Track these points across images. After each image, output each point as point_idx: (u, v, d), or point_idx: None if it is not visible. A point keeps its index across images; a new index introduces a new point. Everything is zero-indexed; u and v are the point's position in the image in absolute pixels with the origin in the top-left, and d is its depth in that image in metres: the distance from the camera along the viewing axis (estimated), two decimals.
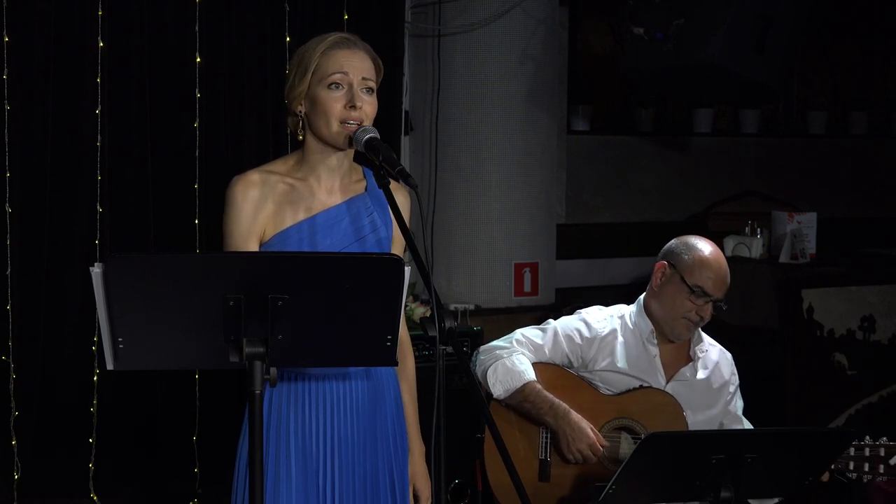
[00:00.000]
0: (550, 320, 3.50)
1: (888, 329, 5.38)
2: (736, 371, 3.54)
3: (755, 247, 5.54)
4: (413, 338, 3.01)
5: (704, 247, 3.39)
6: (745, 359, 5.26)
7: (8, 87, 4.60)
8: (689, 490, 2.64)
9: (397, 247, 2.79)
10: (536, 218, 5.63)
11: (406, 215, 2.71)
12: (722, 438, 2.80)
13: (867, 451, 3.18)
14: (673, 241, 3.46)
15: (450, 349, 2.31)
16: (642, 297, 3.48)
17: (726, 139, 7.04)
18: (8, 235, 4.65)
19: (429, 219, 5.49)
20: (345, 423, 2.71)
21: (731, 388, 3.50)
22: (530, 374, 3.32)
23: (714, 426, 3.46)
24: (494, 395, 3.33)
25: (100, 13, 4.70)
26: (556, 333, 3.43)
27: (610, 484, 2.64)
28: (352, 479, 2.71)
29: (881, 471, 3.15)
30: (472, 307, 5.39)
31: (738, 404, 3.53)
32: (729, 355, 3.55)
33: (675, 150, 6.81)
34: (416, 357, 4.53)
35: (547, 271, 5.70)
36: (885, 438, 3.19)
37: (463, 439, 3.41)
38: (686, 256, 3.37)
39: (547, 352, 3.41)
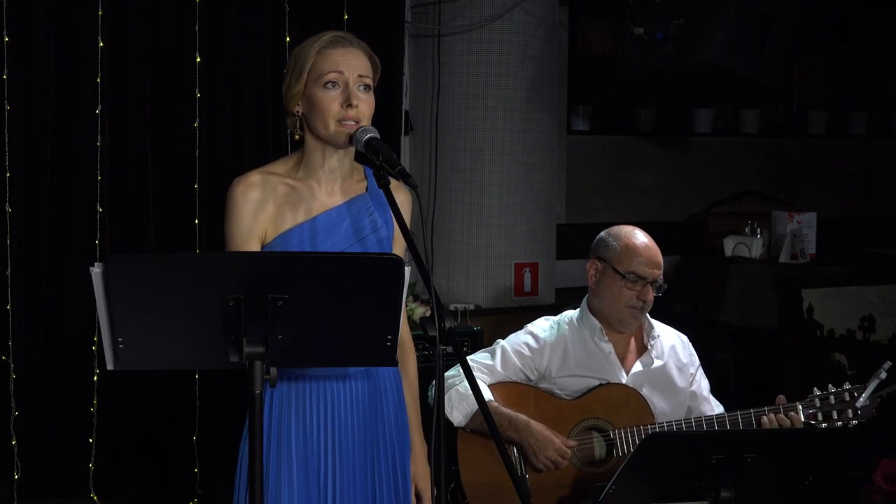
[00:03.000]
0: (498, 340, 3.49)
1: (888, 329, 5.38)
2: (695, 352, 3.55)
3: (755, 247, 5.54)
4: (413, 338, 3.01)
5: (629, 232, 3.42)
6: (744, 359, 5.28)
7: (8, 87, 4.60)
8: (689, 490, 2.64)
9: (398, 246, 2.79)
10: (536, 218, 5.63)
11: (406, 215, 2.71)
12: (722, 438, 2.80)
13: (833, 399, 3.20)
14: (599, 234, 3.48)
15: (450, 349, 2.31)
16: (585, 298, 3.49)
17: (726, 139, 7.04)
18: (8, 235, 4.65)
19: (429, 219, 5.49)
20: (345, 422, 2.71)
21: (692, 370, 3.51)
22: (487, 394, 3.30)
23: (682, 410, 3.46)
24: (455, 423, 3.30)
25: (100, 13, 4.70)
26: (504, 351, 3.42)
27: (610, 484, 2.64)
28: (352, 478, 2.71)
29: (850, 415, 3.17)
30: (472, 307, 5.39)
31: (703, 384, 3.53)
32: (684, 338, 3.56)
33: (675, 150, 6.81)
34: (416, 357, 4.56)
35: (547, 271, 5.70)
36: (847, 384, 3.21)
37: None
38: (613, 246, 3.39)
39: (500, 369, 3.40)
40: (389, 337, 2.24)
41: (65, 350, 4.78)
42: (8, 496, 4.67)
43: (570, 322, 3.48)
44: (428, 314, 2.31)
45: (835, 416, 3.20)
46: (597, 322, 3.42)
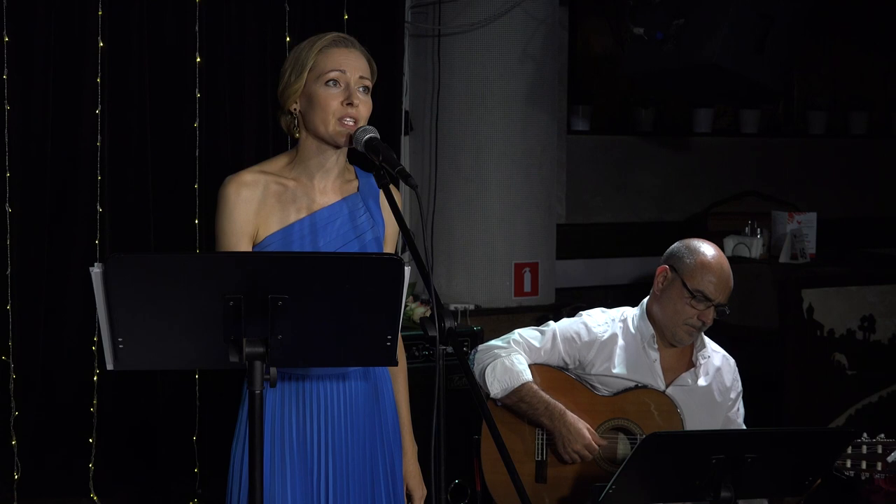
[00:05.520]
0: (551, 322, 3.48)
1: (888, 329, 5.38)
2: (739, 378, 3.50)
3: (755, 247, 5.54)
4: (413, 338, 3.01)
5: (707, 250, 3.34)
6: (744, 359, 5.27)
7: (8, 87, 4.60)
8: (689, 490, 2.64)
9: (390, 245, 2.80)
10: (536, 218, 5.63)
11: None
12: (722, 438, 2.80)
13: (864, 449, 3.17)
14: (676, 244, 3.42)
15: (450, 349, 2.31)
16: (646, 300, 3.45)
17: (726, 139, 7.04)
18: (8, 235, 4.65)
19: (429, 219, 5.49)
20: (341, 422, 2.71)
21: (733, 395, 3.47)
22: (528, 375, 3.32)
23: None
24: (492, 395, 3.32)
25: (100, 13, 4.70)
26: (554, 336, 3.41)
27: (610, 484, 2.64)
28: (346, 478, 2.71)
29: (879, 468, 3.14)
30: (472, 307, 5.38)
31: (741, 411, 3.49)
32: (732, 361, 3.51)
33: (675, 150, 6.81)
34: (415, 357, 4.57)
35: (547, 271, 5.70)
36: (882, 435, 3.18)
37: (462, 439, 3.41)
38: (688, 260, 3.32)
39: (543, 354, 3.40)
40: (389, 337, 2.24)
41: (65, 350, 4.78)
42: (8, 496, 4.67)
43: (625, 322, 3.43)
44: (428, 314, 2.31)
45: (863, 466, 3.14)
46: (651, 329, 3.38)
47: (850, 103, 7.40)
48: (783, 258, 5.48)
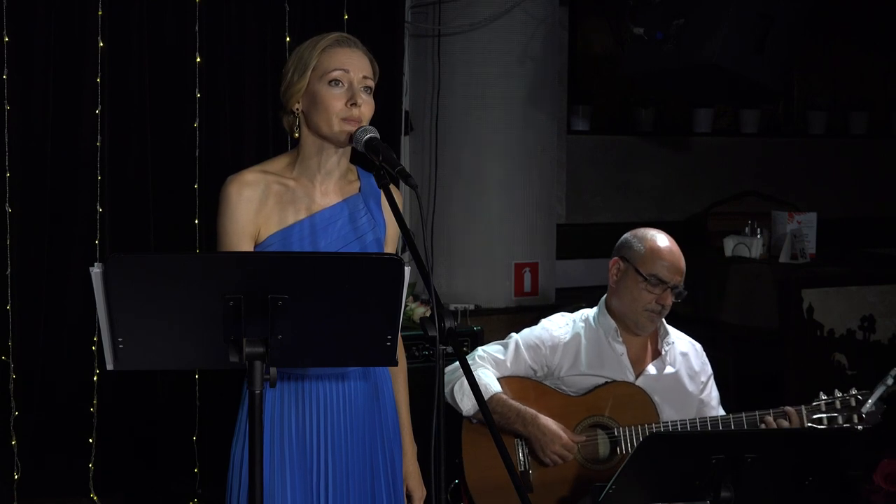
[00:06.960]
0: (512, 334, 3.49)
1: (888, 329, 5.38)
2: (707, 361, 3.54)
3: (755, 247, 5.54)
4: (413, 338, 3.00)
5: (655, 235, 3.41)
6: (744, 359, 5.28)
7: (8, 87, 4.60)
8: (689, 490, 2.64)
9: (390, 245, 2.80)
10: (536, 218, 5.63)
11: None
12: (722, 438, 2.80)
13: (839, 404, 3.20)
14: (624, 235, 3.48)
15: (450, 349, 2.31)
16: (604, 297, 3.49)
17: (726, 139, 7.05)
18: (8, 235, 4.65)
19: (429, 219, 5.49)
20: (342, 422, 2.71)
21: (704, 378, 3.50)
22: (496, 387, 3.32)
23: (689, 417, 3.43)
24: (464, 412, 3.31)
25: (100, 13, 4.70)
26: (517, 346, 3.42)
27: (610, 484, 2.64)
28: (346, 478, 2.71)
29: (856, 420, 3.17)
30: (472, 307, 5.39)
31: (714, 394, 3.52)
32: (699, 346, 3.55)
33: (675, 150, 6.81)
34: (415, 357, 4.57)
35: (547, 271, 5.70)
36: (854, 390, 3.21)
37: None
38: (637, 247, 3.39)
39: (509, 365, 3.40)
40: (389, 337, 2.24)
41: (65, 350, 4.78)
42: (8, 496, 4.67)
43: (587, 321, 3.47)
44: (428, 314, 2.31)
45: (840, 421, 3.19)
46: (613, 322, 3.42)
47: (850, 103, 7.40)
48: (783, 258, 5.48)
